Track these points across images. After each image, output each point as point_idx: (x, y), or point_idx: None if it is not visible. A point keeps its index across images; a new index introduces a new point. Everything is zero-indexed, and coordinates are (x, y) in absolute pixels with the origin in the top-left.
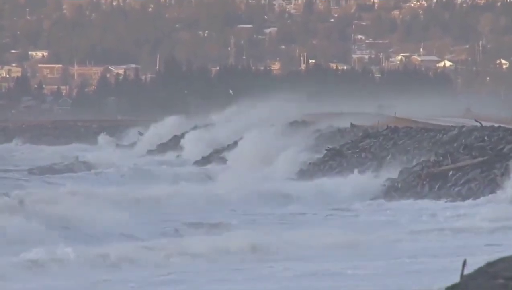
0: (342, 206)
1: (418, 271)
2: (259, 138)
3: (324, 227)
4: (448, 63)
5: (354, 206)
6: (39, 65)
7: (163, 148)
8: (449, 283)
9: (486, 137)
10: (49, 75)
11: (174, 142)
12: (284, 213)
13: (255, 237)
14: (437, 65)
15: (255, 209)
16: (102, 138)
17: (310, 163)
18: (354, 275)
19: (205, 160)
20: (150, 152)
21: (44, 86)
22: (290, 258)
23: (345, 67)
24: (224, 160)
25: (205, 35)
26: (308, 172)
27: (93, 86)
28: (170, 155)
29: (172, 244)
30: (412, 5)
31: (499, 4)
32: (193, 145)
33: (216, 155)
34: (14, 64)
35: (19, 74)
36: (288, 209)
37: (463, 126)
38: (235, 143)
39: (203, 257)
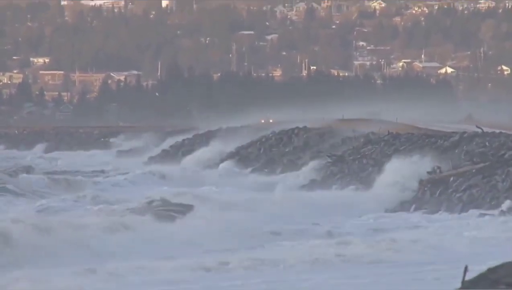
0: (341, 212)
1: (420, 278)
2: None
3: (324, 238)
4: (449, 70)
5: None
6: (41, 72)
7: (165, 154)
8: None
9: (487, 143)
10: (50, 82)
11: (175, 149)
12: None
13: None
14: (439, 71)
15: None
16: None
17: (311, 169)
18: (356, 283)
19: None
20: (151, 158)
21: (45, 92)
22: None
23: (346, 74)
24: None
25: (207, 41)
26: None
27: (95, 93)
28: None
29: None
30: (413, 11)
31: (500, 10)
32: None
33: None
34: (15, 71)
35: (21, 80)
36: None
37: (464, 133)
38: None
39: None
